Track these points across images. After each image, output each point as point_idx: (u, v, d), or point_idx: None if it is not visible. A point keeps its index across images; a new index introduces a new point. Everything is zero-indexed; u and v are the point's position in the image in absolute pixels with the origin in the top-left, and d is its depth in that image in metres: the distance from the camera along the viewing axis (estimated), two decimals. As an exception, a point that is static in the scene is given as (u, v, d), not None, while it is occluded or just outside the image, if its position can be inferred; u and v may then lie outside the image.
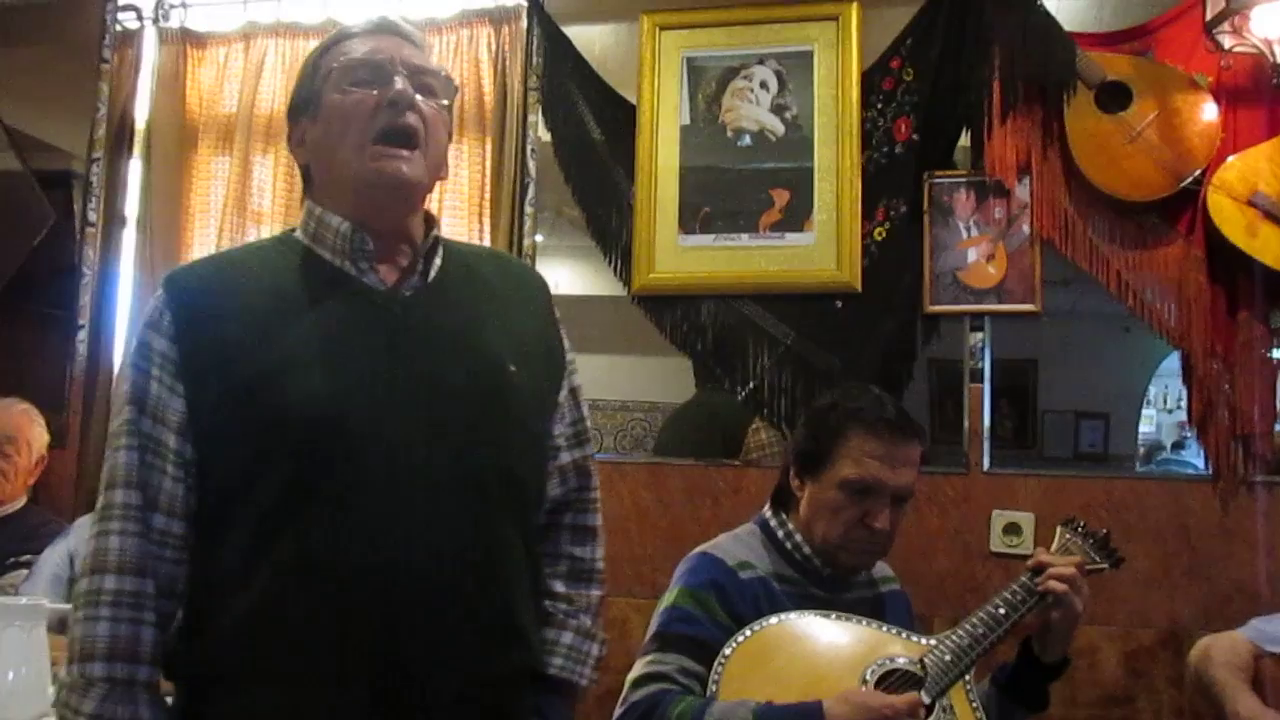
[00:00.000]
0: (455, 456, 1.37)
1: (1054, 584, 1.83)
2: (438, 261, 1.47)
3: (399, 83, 1.40)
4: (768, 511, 1.99)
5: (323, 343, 1.36)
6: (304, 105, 1.46)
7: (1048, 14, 2.79)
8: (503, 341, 1.47)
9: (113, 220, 3.47)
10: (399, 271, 1.44)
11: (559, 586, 1.57)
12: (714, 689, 1.69)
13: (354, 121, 1.39)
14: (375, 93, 1.39)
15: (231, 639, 1.31)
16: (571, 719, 1.57)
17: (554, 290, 3.07)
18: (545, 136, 3.17)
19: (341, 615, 1.30)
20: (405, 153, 1.39)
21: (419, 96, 1.42)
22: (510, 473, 1.43)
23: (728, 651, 1.72)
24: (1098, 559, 1.93)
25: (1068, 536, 1.97)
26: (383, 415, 1.34)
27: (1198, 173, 2.65)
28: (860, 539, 1.86)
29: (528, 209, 3.14)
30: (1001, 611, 1.81)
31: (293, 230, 1.50)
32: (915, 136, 2.89)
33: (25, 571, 2.82)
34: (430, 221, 1.49)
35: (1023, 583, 1.85)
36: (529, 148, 3.16)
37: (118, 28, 3.52)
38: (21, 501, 3.09)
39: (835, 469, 1.86)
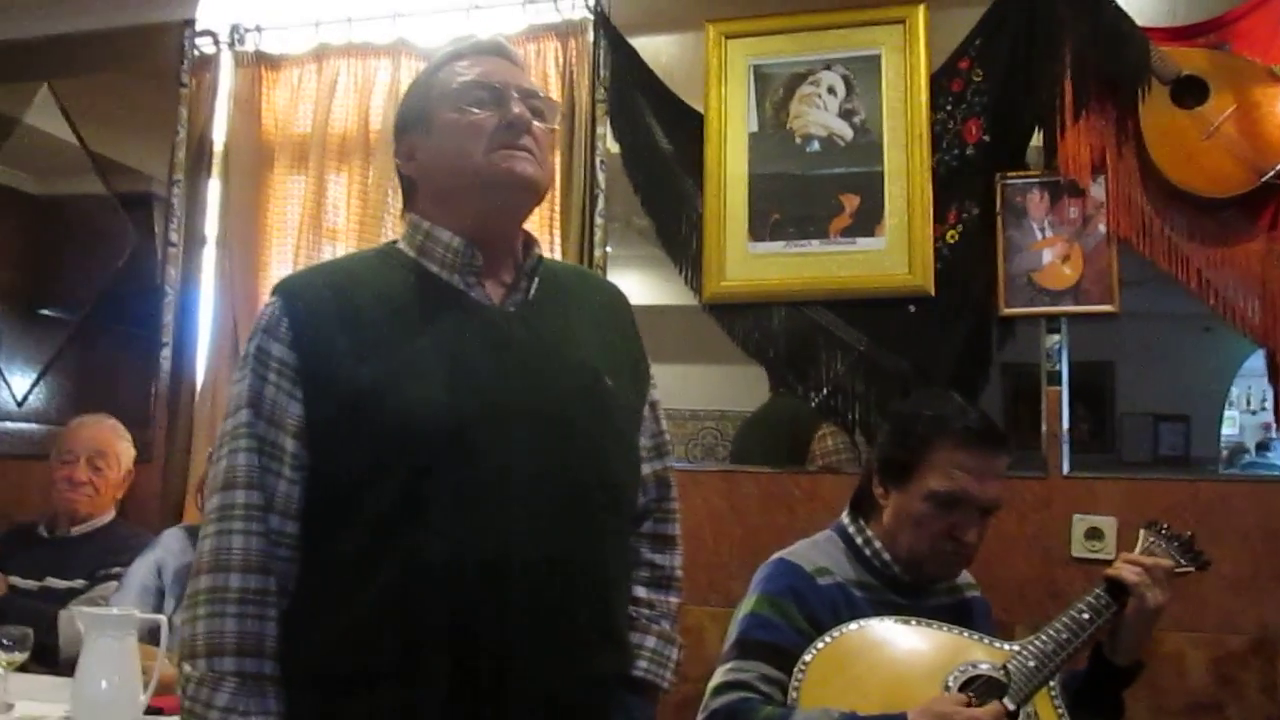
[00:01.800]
0: (562, 466, 1.41)
1: (1125, 569, 1.79)
2: (537, 279, 1.52)
3: (516, 107, 1.45)
4: (846, 518, 1.97)
5: (436, 353, 1.40)
6: (415, 121, 1.51)
7: (1119, 9, 2.75)
8: (598, 355, 1.53)
9: (193, 240, 3.55)
10: (503, 288, 1.49)
11: (641, 592, 1.62)
12: (794, 696, 1.68)
13: (473, 139, 1.44)
14: (494, 114, 1.45)
15: (344, 640, 1.35)
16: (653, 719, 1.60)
17: (624, 300, 3.10)
18: (614, 148, 3.18)
19: (454, 617, 1.33)
20: (529, 154, 1.45)
21: (533, 121, 1.47)
22: (611, 481, 1.49)
23: (808, 658, 1.72)
24: (1183, 562, 1.89)
25: (1151, 539, 1.92)
26: (494, 425, 1.38)
27: (1279, 167, 2.59)
28: (947, 551, 1.85)
29: (598, 220, 3.16)
30: (1086, 616, 1.78)
31: (394, 242, 1.54)
32: (986, 138, 2.86)
33: (115, 583, 2.88)
34: (530, 241, 1.54)
35: (1106, 586, 1.82)
36: (598, 159, 3.18)
37: (195, 53, 3.59)
38: (110, 515, 3.17)
39: (923, 480, 1.84)
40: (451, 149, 1.46)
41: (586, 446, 1.45)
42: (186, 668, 1.33)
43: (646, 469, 1.63)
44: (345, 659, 1.35)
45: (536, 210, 3.11)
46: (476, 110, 1.45)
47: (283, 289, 1.45)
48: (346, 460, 1.37)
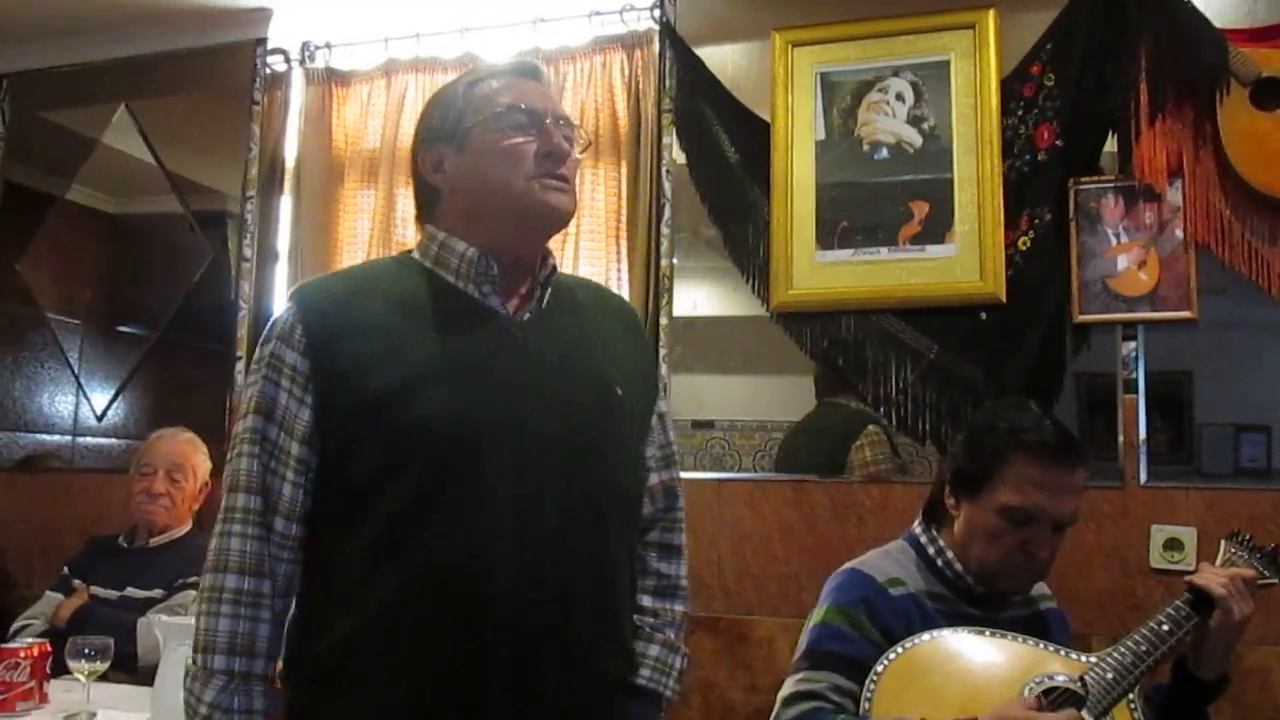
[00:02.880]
0: (573, 472, 1.45)
1: (1212, 580, 1.74)
2: (550, 290, 1.55)
3: (556, 135, 1.50)
4: (918, 527, 1.95)
5: (450, 359, 1.43)
6: (448, 134, 1.53)
7: (1195, 9, 2.69)
8: (608, 365, 1.57)
9: (266, 255, 3.61)
10: (518, 298, 1.53)
11: (646, 601, 1.65)
12: (866, 707, 1.66)
13: (514, 165, 1.47)
14: (533, 139, 1.48)
15: (355, 639, 1.38)
16: None
17: (692, 311, 3.11)
18: (680, 158, 3.18)
19: (464, 620, 1.36)
20: (566, 186, 1.50)
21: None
22: (619, 489, 1.53)
23: (880, 669, 1.69)
24: (1267, 573, 1.84)
25: (1233, 550, 1.88)
26: (507, 431, 1.41)
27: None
28: (1019, 565, 1.82)
29: (664, 230, 3.16)
30: (1166, 628, 1.74)
31: (409, 252, 1.57)
32: (1059, 143, 2.81)
33: (193, 593, 2.93)
34: (546, 253, 1.56)
35: (1188, 598, 1.77)
36: (664, 170, 3.18)
37: (267, 71, 3.66)
38: (188, 526, 3.22)
39: (995, 494, 1.81)
40: (490, 171, 1.49)
41: (597, 454, 1.48)
42: (186, 661, 1.41)
43: (654, 479, 1.66)
44: (354, 660, 1.38)
45: (604, 222, 3.16)
46: (517, 135, 1.48)
47: (298, 296, 1.48)
48: (359, 464, 1.40)
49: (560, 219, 1.52)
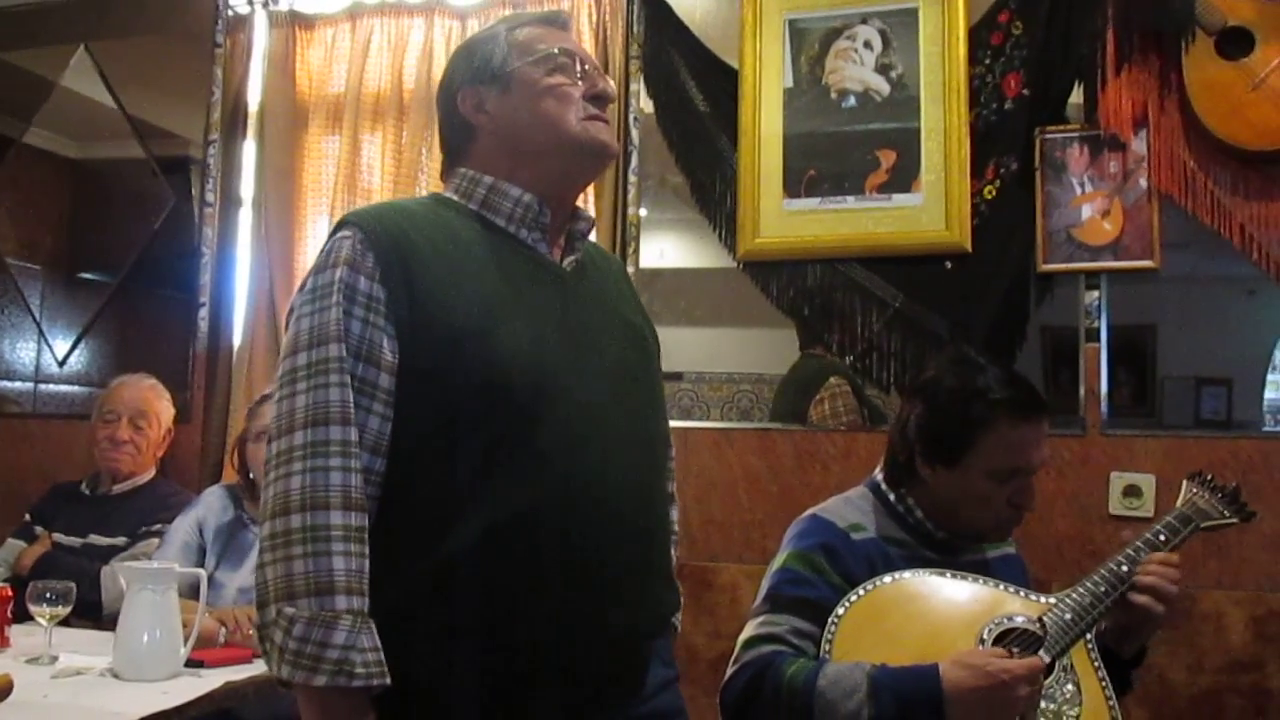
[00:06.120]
0: (629, 418, 1.49)
1: (1164, 584, 1.72)
2: (580, 244, 1.59)
3: (601, 81, 1.55)
4: (879, 475, 1.95)
5: (520, 302, 1.44)
6: (490, 76, 1.54)
7: (1163, -41, 2.69)
8: (635, 316, 1.64)
9: (229, 201, 3.56)
10: (558, 248, 1.56)
11: None
12: (827, 648, 1.68)
13: (564, 105, 1.51)
14: (580, 81, 1.53)
15: (442, 585, 1.35)
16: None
17: (659, 262, 3.11)
18: (648, 106, 3.16)
19: (554, 564, 1.37)
20: (610, 128, 1.56)
21: None
22: (661, 433, 1.64)
23: (841, 611, 1.71)
24: (1226, 514, 1.86)
25: (1195, 490, 1.89)
26: (575, 376, 1.44)
27: (1327, 119, 2.54)
28: (1008, 518, 1.85)
29: (631, 179, 3.14)
30: (1125, 569, 1.76)
31: (440, 194, 1.58)
32: (1026, 92, 2.81)
33: (156, 540, 2.92)
34: (578, 208, 1.61)
35: (1147, 539, 1.79)
36: (631, 117, 3.16)
37: (229, 13, 3.60)
38: (151, 473, 3.21)
39: (981, 459, 1.79)
40: (542, 108, 1.51)
41: (644, 400, 1.56)
42: (288, 609, 1.27)
43: None
44: (439, 603, 1.35)
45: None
46: (563, 77, 1.52)
47: (360, 223, 1.42)
48: (435, 405, 1.37)
49: (608, 157, 1.57)
